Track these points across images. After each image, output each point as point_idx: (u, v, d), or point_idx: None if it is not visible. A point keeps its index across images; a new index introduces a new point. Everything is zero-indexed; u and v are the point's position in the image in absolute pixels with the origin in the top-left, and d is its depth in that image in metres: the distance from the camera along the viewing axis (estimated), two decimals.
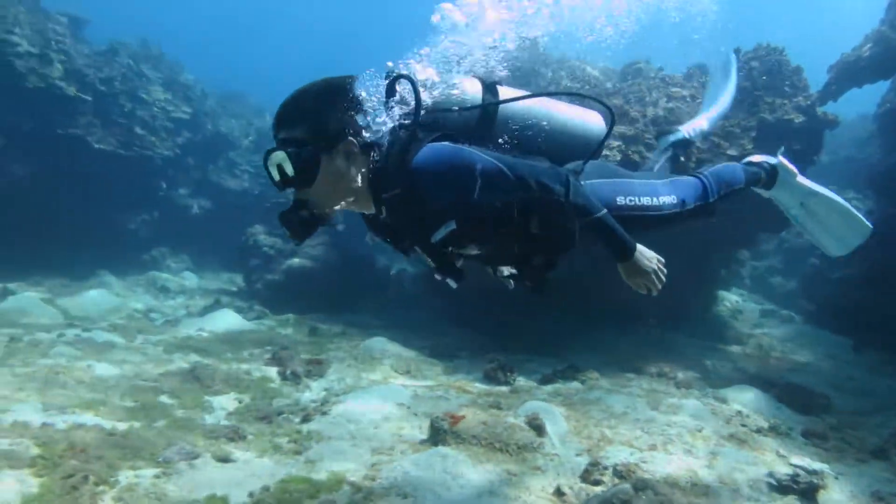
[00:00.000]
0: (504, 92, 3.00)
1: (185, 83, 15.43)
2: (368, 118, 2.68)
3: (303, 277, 11.31)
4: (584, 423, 5.61)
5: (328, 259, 11.61)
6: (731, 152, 8.46)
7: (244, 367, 6.98)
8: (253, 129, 17.06)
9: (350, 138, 2.61)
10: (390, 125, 2.71)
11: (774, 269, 14.75)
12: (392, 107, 2.73)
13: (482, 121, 2.91)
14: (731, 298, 12.22)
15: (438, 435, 4.84)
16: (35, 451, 4.30)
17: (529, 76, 10.93)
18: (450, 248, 2.86)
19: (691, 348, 8.69)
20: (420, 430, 5.18)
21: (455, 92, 2.90)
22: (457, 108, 2.86)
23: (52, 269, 11.78)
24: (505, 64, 3.20)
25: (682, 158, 4.17)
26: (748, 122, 9.05)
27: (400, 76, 2.73)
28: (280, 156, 2.55)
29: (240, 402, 5.99)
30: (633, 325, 8.82)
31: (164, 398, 5.86)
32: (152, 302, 11.08)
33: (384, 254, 12.82)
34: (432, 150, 2.60)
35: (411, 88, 2.72)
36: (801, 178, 4.05)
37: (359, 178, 2.66)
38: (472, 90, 2.92)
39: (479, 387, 6.66)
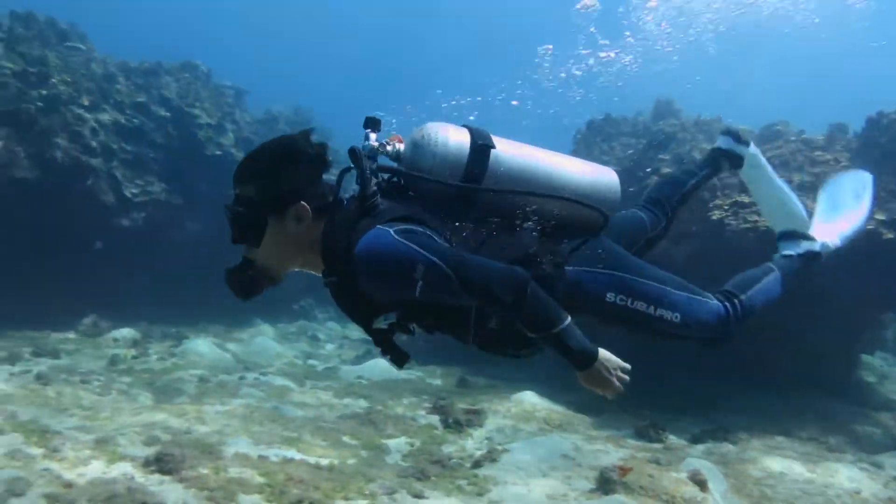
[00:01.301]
0: (497, 155, 2.68)
1: (334, 147, 16.64)
2: (326, 181, 2.54)
3: None
4: (742, 481, 5.85)
5: None
6: (880, 216, 8.50)
7: (409, 414, 7.59)
8: None
9: (303, 202, 2.46)
10: (350, 191, 2.55)
11: None
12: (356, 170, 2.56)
13: (465, 187, 2.63)
14: (875, 362, 11.92)
15: (608, 484, 5.23)
16: (259, 479, 5.01)
17: (670, 139, 11.30)
18: (392, 333, 2.62)
19: (839, 413, 8.64)
20: (587, 480, 5.57)
21: (436, 150, 2.62)
22: (432, 179, 2.59)
23: (214, 316, 12.97)
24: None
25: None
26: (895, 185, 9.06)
27: (352, 149, 2.58)
28: (229, 213, 2.49)
29: (412, 446, 6.57)
30: (778, 388, 8.87)
31: (346, 439, 6.53)
32: (308, 349, 11.99)
33: None
34: (375, 239, 2.32)
35: (364, 158, 2.57)
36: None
37: (308, 244, 2.52)
38: (455, 151, 2.63)
39: (633, 442, 6.98)
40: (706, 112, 12.11)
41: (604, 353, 2.49)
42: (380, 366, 10.18)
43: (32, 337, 10.80)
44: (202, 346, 10.51)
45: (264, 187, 2.45)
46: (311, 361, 10.96)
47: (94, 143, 11.20)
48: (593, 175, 2.93)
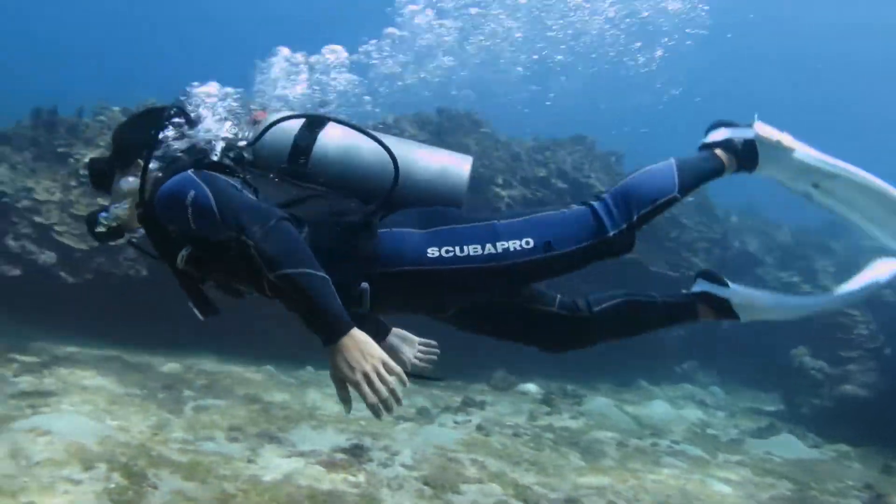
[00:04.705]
0: (332, 129, 2.78)
1: (710, 205, 16.50)
2: (170, 146, 2.77)
3: (855, 405, 11.18)
4: None
5: (881, 386, 11.30)
6: None
7: (842, 501, 7.32)
8: (776, 244, 17.46)
9: (140, 161, 2.74)
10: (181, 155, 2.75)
11: None
12: (190, 137, 2.79)
13: (294, 157, 2.73)
14: None
15: None
16: None
17: None
18: (198, 276, 2.74)
19: None
20: None
21: (270, 131, 2.77)
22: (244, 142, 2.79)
23: (601, 375, 13.58)
24: None
25: None
26: None
27: (179, 108, 2.82)
28: (88, 162, 3.04)
29: None
30: None
31: None
32: (702, 416, 12.03)
33: None
34: (173, 178, 2.54)
35: (188, 120, 2.82)
36: (802, 153, 2.99)
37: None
38: (283, 132, 2.75)
39: None
40: None
41: (363, 335, 2.19)
42: (790, 442, 9.90)
43: (456, 387, 12.42)
44: (604, 406, 11.15)
45: (118, 143, 2.92)
46: (709, 430, 11.00)
47: None
48: (430, 159, 2.82)
